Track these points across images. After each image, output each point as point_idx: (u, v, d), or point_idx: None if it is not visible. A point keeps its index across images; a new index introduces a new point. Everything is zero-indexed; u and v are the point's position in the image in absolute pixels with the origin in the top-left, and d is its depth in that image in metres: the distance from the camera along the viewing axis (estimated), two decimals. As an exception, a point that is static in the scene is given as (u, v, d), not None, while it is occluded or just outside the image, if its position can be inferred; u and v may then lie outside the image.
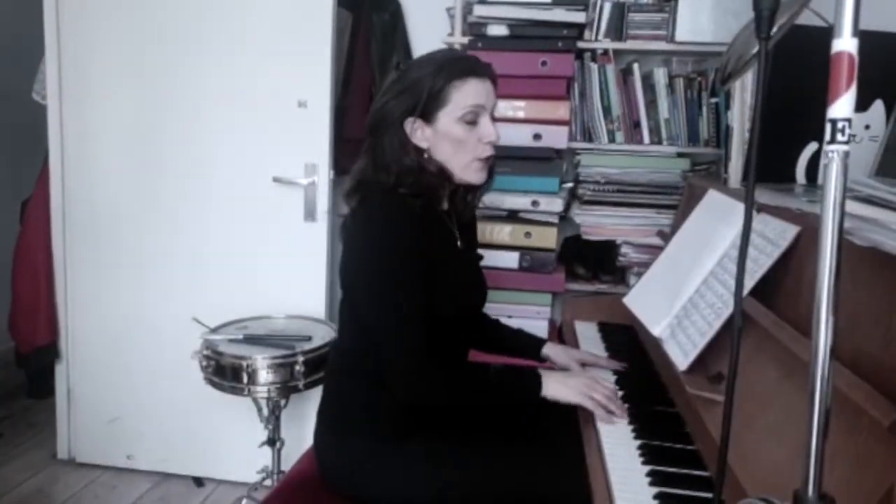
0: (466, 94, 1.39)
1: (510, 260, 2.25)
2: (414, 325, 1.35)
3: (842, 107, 0.54)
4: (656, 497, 1.09)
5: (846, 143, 0.54)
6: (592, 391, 1.37)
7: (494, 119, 1.44)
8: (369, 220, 1.39)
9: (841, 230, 0.54)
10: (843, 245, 0.57)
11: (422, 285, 1.36)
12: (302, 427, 2.38)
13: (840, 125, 0.54)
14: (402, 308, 1.35)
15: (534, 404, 1.40)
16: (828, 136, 0.54)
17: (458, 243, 1.54)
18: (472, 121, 1.40)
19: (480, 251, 1.69)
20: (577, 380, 1.40)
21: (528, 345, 1.73)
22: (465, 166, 1.43)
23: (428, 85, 1.37)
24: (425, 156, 1.41)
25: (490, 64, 1.45)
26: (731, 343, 0.68)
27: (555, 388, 1.39)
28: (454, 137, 1.40)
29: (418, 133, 1.40)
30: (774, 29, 0.76)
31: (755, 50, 1.00)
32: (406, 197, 1.38)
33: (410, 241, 1.35)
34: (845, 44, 0.54)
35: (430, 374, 1.37)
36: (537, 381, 1.39)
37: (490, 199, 2.14)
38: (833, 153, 0.54)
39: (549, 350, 1.68)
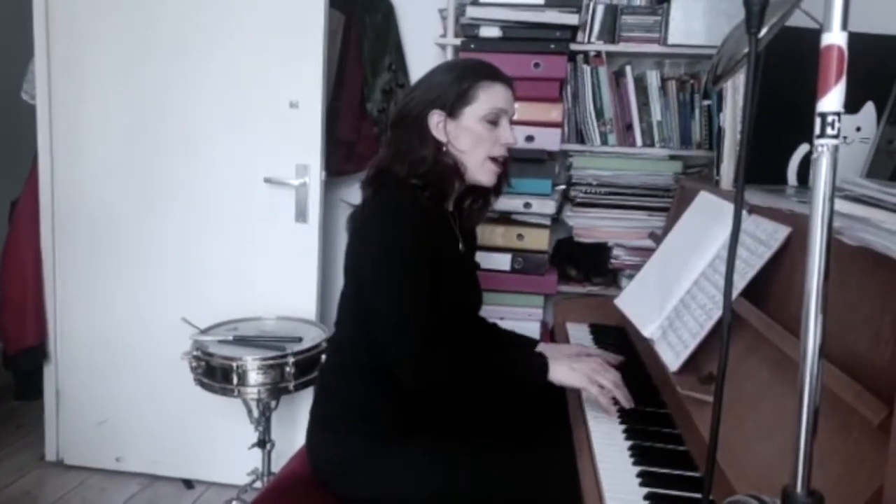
0: (493, 95, 1.46)
1: (502, 262, 2.25)
2: (418, 309, 1.36)
3: (831, 101, 0.54)
4: (647, 497, 1.09)
5: (835, 136, 0.54)
6: (599, 376, 1.35)
7: (512, 125, 1.51)
8: (380, 210, 1.42)
9: (830, 224, 0.54)
10: (834, 245, 0.57)
11: (428, 276, 1.38)
12: (292, 428, 2.37)
13: (829, 119, 0.54)
14: (408, 291, 1.36)
15: (539, 387, 1.39)
16: (817, 130, 0.54)
17: (461, 246, 1.56)
18: (493, 121, 1.47)
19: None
20: (583, 364, 1.39)
21: (521, 346, 1.72)
22: (479, 164, 1.48)
23: (458, 81, 1.44)
24: (444, 149, 1.45)
25: (511, 78, 1.52)
26: (720, 338, 0.68)
27: (561, 371, 1.38)
28: (475, 134, 1.45)
29: (441, 126, 1.44)
30: (766, 28, 0.77)
31: (746, 49, 1.00)
32: (416, 189, 1.41)
33: (420, 233, 1.37)
34: (835, 37, 0.54)
35: (433, 354, 1.37)
36: (544, 364, 1.39)
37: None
38: (822, 147, 0.54)
39: (542, 350, 1.67)
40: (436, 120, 1.44)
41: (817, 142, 0.54)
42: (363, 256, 1.43)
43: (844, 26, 0.53)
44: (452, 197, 1.53)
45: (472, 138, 1.45)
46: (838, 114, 0.54)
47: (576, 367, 1.38)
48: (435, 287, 1.39)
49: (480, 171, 1.48)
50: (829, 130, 0.53)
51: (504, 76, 1.49)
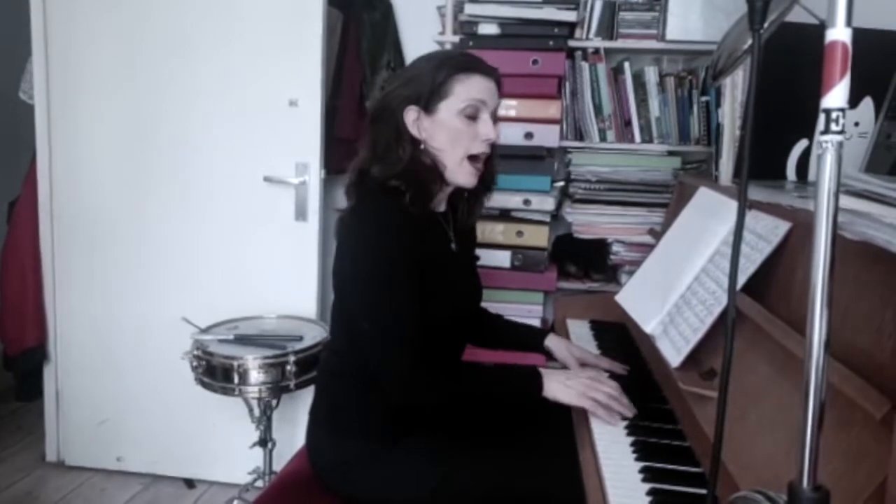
0: (469, 87, 1.38)
1: (502, 259, 2.25)
2: (405, 328, 1.34)
3: (836, 97, 0.54)
4: (649, 493, 1.09)
5: (840, 132, 0.54)
6: (593, 392, 1.34)
7: (496, 121, 1.44)
8: (363, 222, 1.39)
9: (835, 221, 0.54)
10: (836, 238, 0.57)
11: (414, 288, 1.35)
12: (293, 427, 2.37)
13: (834, 115, 0.54)
14: (393, 311, 1.34)
15: (533, 404, 1.38)
16: (822, 126, 0.54)
17: (453, 246, 1.54)
18: (472, 115, 1.39)
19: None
20: (577, 380, 1.37)
21: (530, 337, 1.72)
22: (457, 164, 1.41)
23: (431, 75, 1.37)
24: (421, 147, 1.40)
25: (496, 68, 1.45)
26: (725, 335, 0.68)
27: (555, 388, 1.36)
28: (452, 129, 1.39)
29: (416, 123, 1.39)
30: (765, 24, 0.77)
31: (746, 45, 1.01)
32: (400, 194, 1.37)
33: (403, 245, 1.34)
34: (839, 33, 0.54)
35: (424, 376, 1.35)
36: (538, 380, 1.37)
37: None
38: (827, 143, 0.54)
39: (552, 342, 1.67)
40: (412, 116, 1.38)
41: (822, 138, 0.54)
42: (347, 275, 1.41)
43: (849, 22, 0.53)
44: (440, 198, 1.49)
45: (448, 135, 1.39)
46: (843, 110, 0.54)
47: (569, 383, 1.36)
48: (426, 295, 1.37)
49: (458, 172, 1.42)
50: (833, 127, 0.54)
51: (484, 66, 1.41)
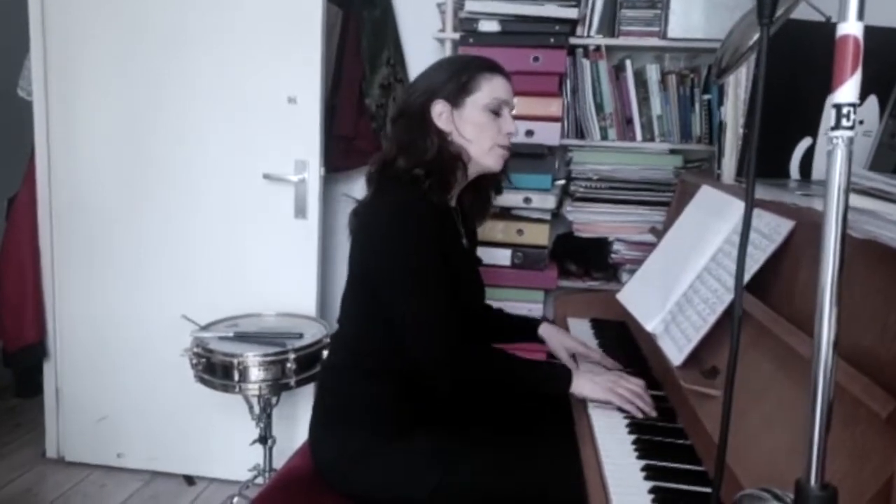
0: (495, 86, 1.48)
1: (502, 257, 2.25)
2: (442, 308, 1.37)
3: (847, 92, 0.53)
4: (651, 491, 1.09)
5: (851, 128, 0.53)
6: (619, 388, 1.37)
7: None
8: (387, 210, 1.41)
9: (845, 217, 0.54)
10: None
11: (443, 272, 1.38)
12: (293, 424, 2.37)
13: (845, 110, 0.53)
14: (429, 292, 1.37)
15: (557, 398, 1.42)
16: (832, 122, 0.54)
17: (464, 241, 1.57)
18: (495, 110, 1.48)
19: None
20: (604, 377, 1.41)
21: (523, 326, 1.75)
22: (486, 150, 1.49)
23: (459, 73, 1.46)
24: (448, 138, 1.46)
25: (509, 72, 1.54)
26: (730, 333, 0.68)
27: (583, 384, 1.40)
28: (478, 123, 1.47)
29: (443, 116, 1.45)
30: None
31: (752, 41, 1.00)
32: (420, 184, 1.41)
33: (428, 229, 1.38)
34: (850, 28, 0.53)
35: (467, 351, 1.39)
36: (568, 376, 1.41)
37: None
38: (838, 139, 0.53)
39: (544, 330, 1.70)
40: (438, 110, 1.45)
41: (832, 133, 0.54)
42: (376, 261, 1.42)
43: (861, 16, 0.53)
44: (455, 190, 1.53)
45: (475, 128, 1.46)
46: (854, 105, 0.53)
47: (597, 379, 1.40)
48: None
49: (488, 156, 1.49)
50: (844, 122, 0.53)
51: (504, 69, 1.51)
